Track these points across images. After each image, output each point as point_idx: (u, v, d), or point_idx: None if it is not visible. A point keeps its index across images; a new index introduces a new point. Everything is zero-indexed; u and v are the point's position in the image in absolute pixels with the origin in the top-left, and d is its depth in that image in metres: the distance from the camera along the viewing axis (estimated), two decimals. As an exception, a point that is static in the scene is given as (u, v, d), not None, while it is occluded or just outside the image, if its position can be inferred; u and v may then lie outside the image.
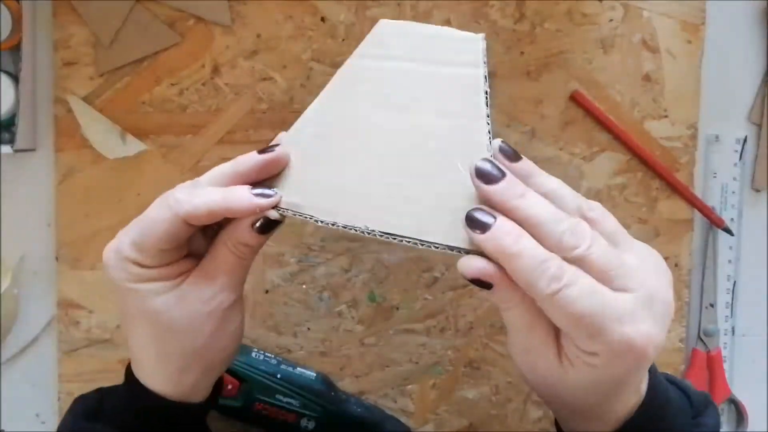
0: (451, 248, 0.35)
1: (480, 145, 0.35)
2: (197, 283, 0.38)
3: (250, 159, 0.38)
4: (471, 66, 0.37)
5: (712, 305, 0.57)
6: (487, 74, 0.37)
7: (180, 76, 0.54)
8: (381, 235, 0.36)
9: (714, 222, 0.56)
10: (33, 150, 0.54)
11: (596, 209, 0.35)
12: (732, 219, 0.57)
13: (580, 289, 0.31)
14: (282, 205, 0.38)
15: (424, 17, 0.54)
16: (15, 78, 0.52)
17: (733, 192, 0.57)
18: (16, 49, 0.52)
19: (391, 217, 0.36)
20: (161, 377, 0.39)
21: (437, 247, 0.35)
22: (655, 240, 0.56)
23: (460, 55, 0.37)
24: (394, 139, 0.37)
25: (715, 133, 0.57)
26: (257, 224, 0.37)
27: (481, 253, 0.33)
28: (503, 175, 0.33)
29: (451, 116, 0.37)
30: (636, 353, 0.32)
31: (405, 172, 0.36)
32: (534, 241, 0.33)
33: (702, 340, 0.57)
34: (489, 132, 0.36)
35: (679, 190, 0.55)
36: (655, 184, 0.55)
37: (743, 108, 0.57)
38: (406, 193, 0.36)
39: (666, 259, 0.55)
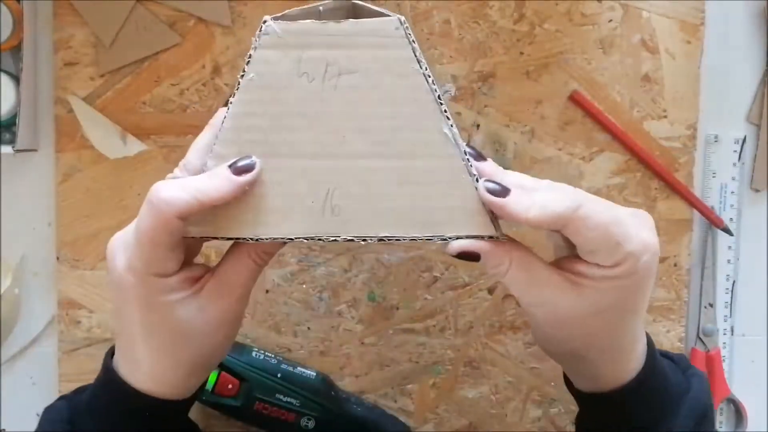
0: (438, 238, 0.36)
1: (436, 134, 0.35)
2: (215, 295, 0.37)
3: (224, 184, 0.35)
4: (398, 48, 0.35)
5: (711, 305, 0.57)
6: (419, 55, 0.35)
7: (180, 76, 0.54)
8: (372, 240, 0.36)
9: (713, 222, 0.56)
10: (34, 150, 0.54)
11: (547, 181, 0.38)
12: (731, 219, 0.57)
13: (597, 204, 0.35)
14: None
15: (424, 17, 0.54)
16: (16, 78, 0.52)
17: (733, 192, 0.57)
18: (16, 49, 0.52)
19: (376, 220, 0.36)
20: (164, 381, 0.38)
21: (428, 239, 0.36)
22: (654, 240, 0.56)
23: (382, 40, 0.36)
24: (345, 142, 0.36)
25: (714, 133, 0.57)
26: None
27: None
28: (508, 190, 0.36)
29: (398, 108, 0.36)
30: (651, 255, 0.36)
31: (370, 173, 0.36)
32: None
33: (701, 340, 0.57)
34: (444, 113, 0.35)
35: (678, 190, 0.55)
36: (655, 184, 0.56)
37: (742, 108, 0.57)
38: (378, 192, 0.36)
39: (665, 258, 0.56)
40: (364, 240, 0.36)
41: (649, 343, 0.40)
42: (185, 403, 0.40)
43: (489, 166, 0.37)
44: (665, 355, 0.43)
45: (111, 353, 0.40)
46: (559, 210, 0.35)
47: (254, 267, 0.37)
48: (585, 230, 0.35)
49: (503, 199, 0.35)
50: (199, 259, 0.40)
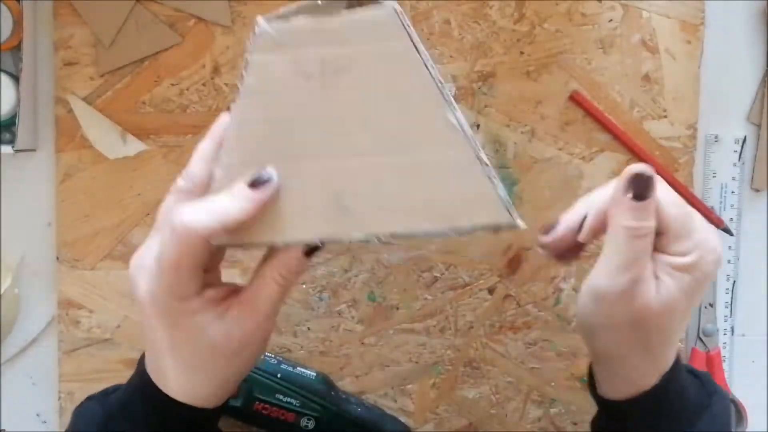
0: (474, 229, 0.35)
1: (442, 122, 0.34)
2: (241, 316, 0.37)
3: (247, 204, 0.35)
4: (395, 40, 0.34)
5: (711, 305, 0.57)
6: (417, 42, 0.34)
7: (180, 76, 0.54)
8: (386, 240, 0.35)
9: (713, 222, 0.56)
10: (34, 150, 0.54)
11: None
12: (731, 219, 0.57)
13: (675, 195, 0.37)
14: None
15: (424, 17, 0.54)
16: (16, 78, 0.52)
17: (733, 192, 0.57)
18: (16, 49, 0.52)
19: (387, 217, 0.35)
20: (192, 395, 0.38)
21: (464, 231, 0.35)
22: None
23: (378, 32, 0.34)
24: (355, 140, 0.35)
25: (714, 133, 0.57)
26: (306, 250, 0.36)
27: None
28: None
29: (401, 101, 0.34)
30: (715, 259, 0.37)
31: (378, 169, 0.35)
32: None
33: (701, 340, 0.57)
34: (448, 100, 0.34)
35: (678, 190, 0.55)
36: (655, 184, 0.56)
37: (742, 108, 0.57)
38: (388, 188, 0.35)
39: (665, 258, 0.56)
40: (378, 239, 0.35)
41: (676, 359, 0.40)
42: (216, 412, 0.40)
43: None
44: (692, 372, 0.43)
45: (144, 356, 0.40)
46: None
47: (279, 287, 0.37)
48: (668, 208, 0.36)
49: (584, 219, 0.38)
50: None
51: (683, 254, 0.37)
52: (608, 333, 0.38)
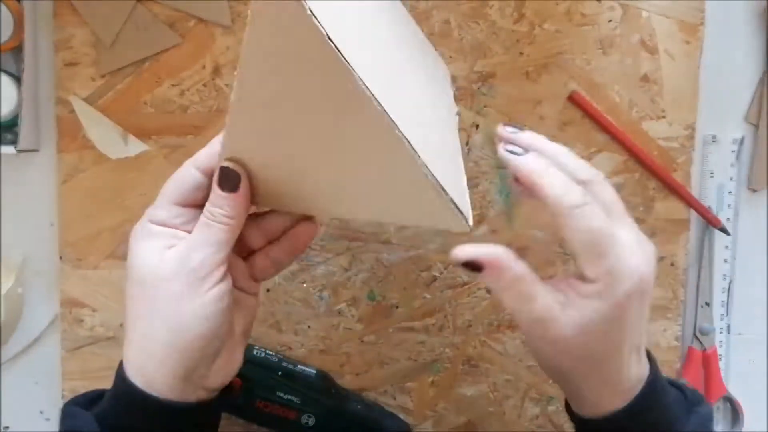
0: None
1: (372, 120, 0.33)
2: (189, 241, 0.38)
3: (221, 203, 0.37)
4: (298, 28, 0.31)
5: (707, 304, 0.58)
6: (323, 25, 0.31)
7: (181, 76, 0.54)
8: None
9: (710, 222, 0.57)
10: (36, 150, 0.55)
11: (597, 177, 0.38)
12: (728, 219, 0.58)
13: (597, 211, 0.36)
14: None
15: (424, 17, 0.54)
16: (17, 79, 0.53)
17: (730, 192, 0.57)
18: (17, 50, 0.52)
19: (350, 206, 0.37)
20: (185, 383, 0.38)
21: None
22: (652, 239, 0.56)
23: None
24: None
25: (712, 134, 0.57)
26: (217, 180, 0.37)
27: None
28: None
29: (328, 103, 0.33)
30: (635, 285, 0.36)
31: (335, 166, 0.36)
32: (561, 172, 0.37)
33: (698, 339, 0.58)
34: (369, 91, 0.32)
35: (676, 190, 0.56)
36: (652, 184, 0.56)
37: (740, 108, 0.58)
38: (346, 182, 0.36)
39: (662, 258, 0.56)
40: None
41: (652, 376, 0.39)
42: (210, 411, 0.40)
43: (527, 136, 0.39)
44: (678, 387, 0.42)
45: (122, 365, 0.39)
46: (559, 195, 0.36)
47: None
48: (574, 228, 0.36)
49: (518, 157, 0.37)
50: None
51: (591, 280, 0.36)
52: (545, 360, 0.39)
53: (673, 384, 0.42)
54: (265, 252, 0.41)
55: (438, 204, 0.35)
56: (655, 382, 0.39)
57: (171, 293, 0.36)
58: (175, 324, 0.37)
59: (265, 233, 0.40)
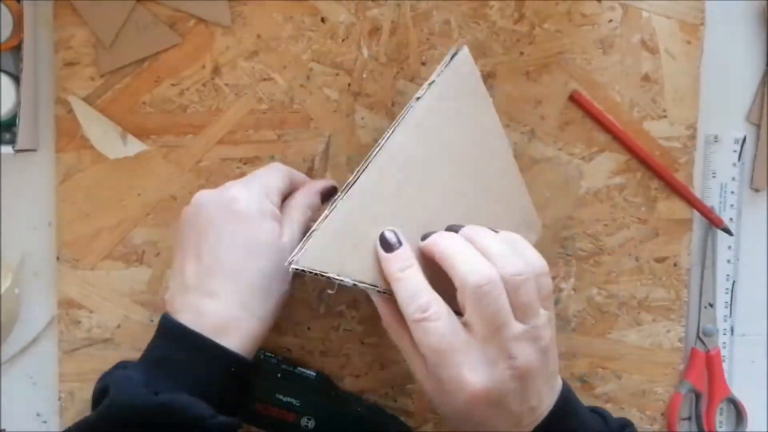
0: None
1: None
2: (289, 230, 0.45)
3: None
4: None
5: (711, 305, 0.57)
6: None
7: (180, 76, 0.54)
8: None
9: (713, 222, 0.56)
10: (34, 150, 0.54)
11: (522, 275, 0.39)
12: (731, 219, 0.57)
13: (437, 326, 0.38)
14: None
15: (424, 17, 0.54)
16: (16, 78, 0.52)
17: (732, 192, 0.57)
18: (17, 49, 0.52)
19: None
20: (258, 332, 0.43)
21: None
22: (654, 240, 0.56)
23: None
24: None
25: (714, 134, 0.57)
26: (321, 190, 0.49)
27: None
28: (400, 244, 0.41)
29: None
30: (465, 396, 0.38)
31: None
32: (419, 273, 0.40)
33: (701, 340, 0.57)
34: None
35: (678, 190, 0.55)
36: (654, 184, 0.56)
37: (742, 108, 0.58)
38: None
39: (665, 258, 0.56)
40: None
41: (561, 398, 0.40)
42: (250, 368, 0.43)
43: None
44: (602, 414, 0.43)
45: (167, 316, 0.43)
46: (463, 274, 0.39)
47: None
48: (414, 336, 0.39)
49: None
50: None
51: (439, 381, 0.40)
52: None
53: (597, 412, 0.44)
54: None
55: (529, 215, 0.49)
56: (559, 410, 0.40)
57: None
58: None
59: None
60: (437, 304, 0.38)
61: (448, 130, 0.47)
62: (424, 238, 0.41)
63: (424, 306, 0.38)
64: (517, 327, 0.38)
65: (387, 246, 0.41)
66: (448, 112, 0.47)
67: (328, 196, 0.49)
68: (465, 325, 0.38)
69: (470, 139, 0.48)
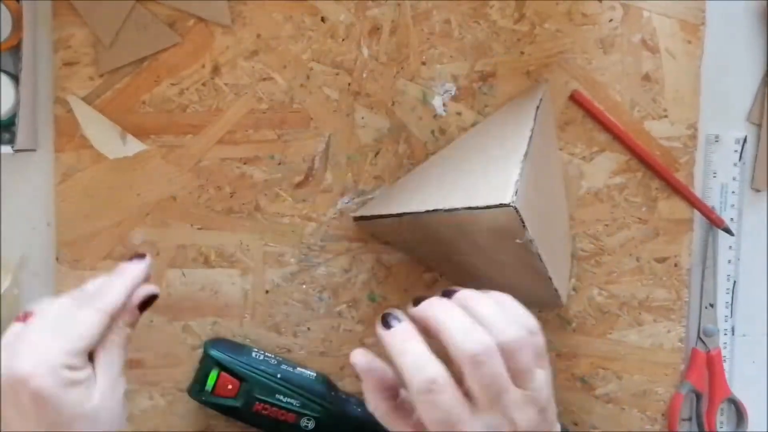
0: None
1: None
2: (108, 374, 0.42)
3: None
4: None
5: (711, 305, 0.57)
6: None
7: (180, 76, 0.54)
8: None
9: (714, 222, 0.56)
10: (33, 150, 0.54)
11: (518, 341, 0.38)
12: (732, 219, 0.57)
13: (444, 399, 0.37)
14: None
15: (424, 17, 0.54)
16: (15, 78, 0.52)
17: (733, 192, 0.57)
18: (16, 49, 0.52)
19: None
20: None
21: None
22: (655, 240, 0.56)
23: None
24: None
25: (714, 133, 0.57)
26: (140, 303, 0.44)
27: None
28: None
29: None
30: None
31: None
32: (423, 346, 0.38)
33: (702, 340, 0.57)
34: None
35: (678, 190, 0.55)
36: (655, 184, 0.55)
37: (743, 108, 0.57)
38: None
39: (666, 259, 0.56)
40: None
41: None
42: None
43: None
44: None
45: None
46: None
47: (124, 341, 0.44)
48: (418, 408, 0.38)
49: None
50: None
51: None
52: None
53: None
54: None
55: (547, 293, 0.49)
56: None
57: None
58: None
59: None
60: (443, 377, 0.38)
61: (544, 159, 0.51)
62: (416, 303, 0.41)
63: (431, 378, 0.37)
64: (516, 393, 0.38)
65: (387, 325, 0.40)
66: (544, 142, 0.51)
67: (146, 304, 0.45)
68: (465, 394, 0.38)
69: (553, 167, 0.53)
